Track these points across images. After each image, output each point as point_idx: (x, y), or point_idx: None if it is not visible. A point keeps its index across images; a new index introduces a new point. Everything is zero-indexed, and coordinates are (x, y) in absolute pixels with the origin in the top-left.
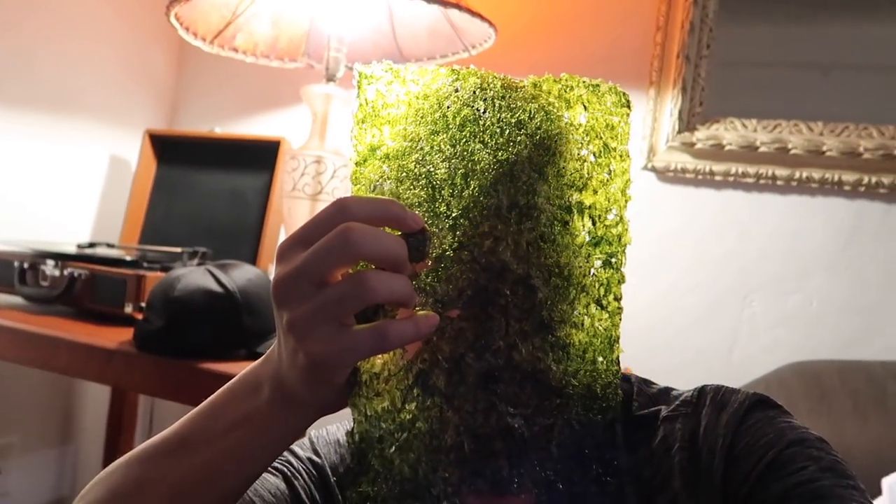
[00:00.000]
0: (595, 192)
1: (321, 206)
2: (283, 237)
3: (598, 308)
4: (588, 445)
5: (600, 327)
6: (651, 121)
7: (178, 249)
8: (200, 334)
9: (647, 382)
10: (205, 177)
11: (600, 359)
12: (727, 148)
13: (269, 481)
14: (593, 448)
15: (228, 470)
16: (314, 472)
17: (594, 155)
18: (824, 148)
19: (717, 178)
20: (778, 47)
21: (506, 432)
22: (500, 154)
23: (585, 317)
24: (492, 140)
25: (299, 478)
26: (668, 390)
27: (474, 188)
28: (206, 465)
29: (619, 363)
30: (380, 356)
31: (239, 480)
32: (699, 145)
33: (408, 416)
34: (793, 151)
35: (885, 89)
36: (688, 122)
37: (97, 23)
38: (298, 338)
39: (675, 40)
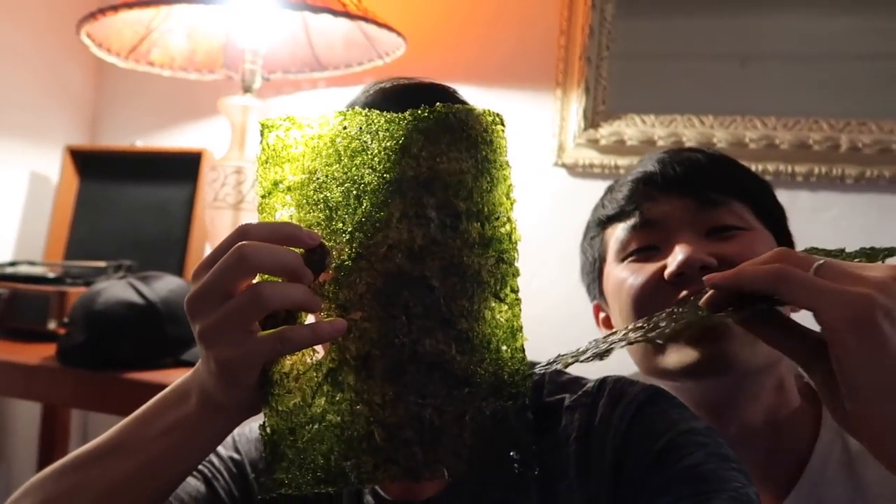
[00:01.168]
0: (480, 198)
1: (244, 215)
2: (209, 249)
3: (497, 300)
4: (499, 431)
5: (501, 318)
6: (559, 120)
7: (103, 264)
8: (124, 346)
9: (559, 372)
10: (128, 190)
11: (504, 347)
12: (628, 143)
13: (190, 484)
14: (504, 434)
15: (160, 471)
16: (234, 468)
17: (474, 165)
18: (715, 139)
19: (622, 171)
20: (681, 41)
21: (415, 420)
22: (387, 175)
23: (486, 310)
24: (380, 165)
25: (219, 477)
26: (577, 379)
27: (366, 206)
28: (139, 467)
29: (524, 351)
30: (289, 357)
31: (168, 481)
32: (603, 141)
33: (318, 410)
34: (688, 144)
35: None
36: (592, 119)
37: (9, 42)
38: (208, 345)
39: (577, 43)
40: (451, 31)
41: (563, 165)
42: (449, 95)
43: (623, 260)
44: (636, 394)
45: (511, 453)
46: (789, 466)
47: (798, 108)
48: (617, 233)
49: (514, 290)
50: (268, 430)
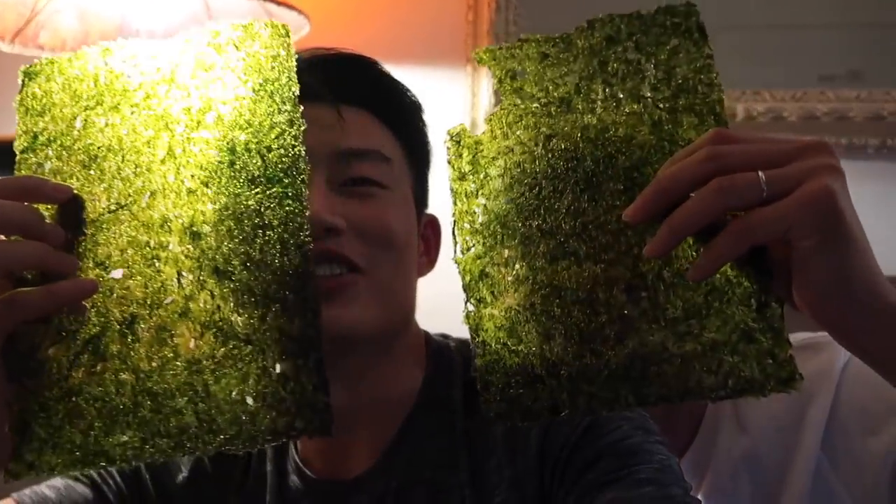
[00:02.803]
0: (260, 125)
1: None
2: None
3: (282, 245)
4: (295, 392)
5: (288, 266)
6: (470, 96)
7: None
8: None
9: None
10: None
11: (293, 297)
12: None
13: (76, 491)
14: (304, 401)
15: None
16: (129, 472)
17: (254, 90)
18: None
19: None
20: (588, 13)
21: (188, 387)
22: (154, 112)
23: (270, 257)
24: (144, 102)
25: (108, 480)
26: None
27: (129, 151)
28: None
29: (317, 300)
30: (39, 330)
31: None
32: None
33: (75, 383)
34: None
35: None
36: None
37: None
38: None
39: (484, 18)
40: (355, 8)
41: None
42: (369, 65)
43: None
44: None
45: (307, 417)
46: (686, 426)
47: None
48: None
49: (303, 229)
50: (16, 409)
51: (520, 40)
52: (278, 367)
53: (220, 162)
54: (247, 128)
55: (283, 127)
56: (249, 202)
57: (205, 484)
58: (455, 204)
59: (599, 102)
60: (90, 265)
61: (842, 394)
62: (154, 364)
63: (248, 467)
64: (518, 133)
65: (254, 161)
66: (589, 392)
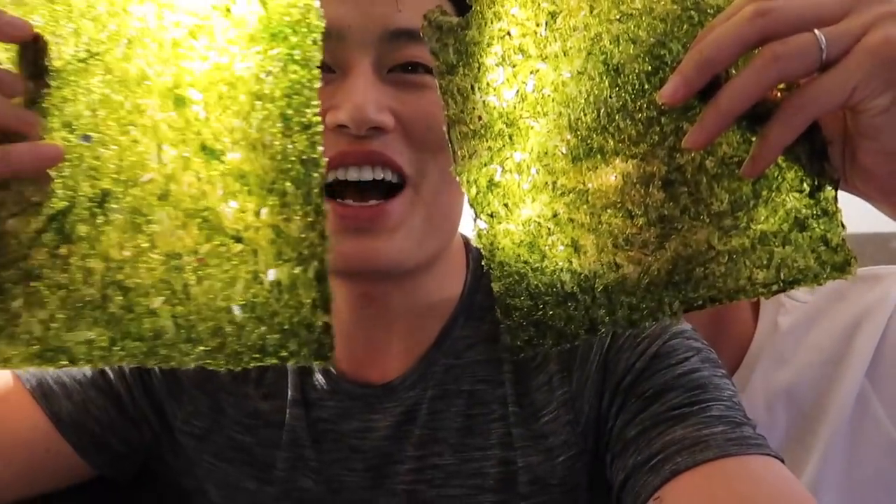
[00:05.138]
0: None
1: None
2: None
3: (286, 131)
4: (290, 305)
5: (292, 151)
6: None
7: None
8: None
9: None
10: None
11: (296, 191)
12: None
13: (96, 404)
14: (299, 318)
15: None
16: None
17: None
18: None
19: None
20: None
21: (165, 285)
22: None
23: (274, 140)
24: None
25: (130, 389)
26: None
27: None
28: None
29: (322, 199)
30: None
31: None
32: None
33: (34, 264)
34: None
35: None
36: None
37: None
38: None
39: None
40: None
41: None
42: None
43: None
44: None
45: (302, 338)
46: (731, 356)
47: None
48: None
49: (315, 118)
50: None
51: None
52: (271, 274)
53: (213, 7)
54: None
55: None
56: (247, 63)
57: (220, 371)
58: (446, 105)
59: None
60: (56, 125)
61: (893, 321)
62: (126, 253)
63: None
64: (514, 12)
65: (252, 8)
66: (629, 304)
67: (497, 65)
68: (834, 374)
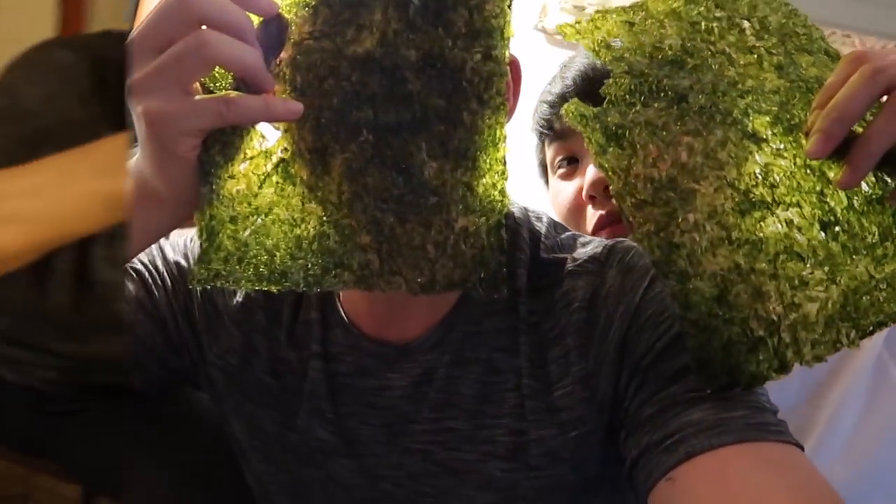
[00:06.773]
0: None
1: None
2: None
3: (479, 103)
4: (468, 248)
5: (482, 124)
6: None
7: None
8: None
9: (556, 226)
10: None
11: (483, 156)
12: None
13: (128, 288)
14: (474, 252)
15: None
16: (178, 275)
17: None
18: None
19: None
20: None
21: (373, 226)
22: None
23: (465, 112)
24: None
25: (159, 283)
26: (575, 238)
27: None
28: None
29: (505, 163)
30: (234, 138)
31: None
32: (589, 10)
33: (265, 201)
34: None
35: None
36: None
37: None
38: (138, 97)
39: None
40: None
41: (544, 30)
42: None
43: (556, 172)
44: (648, 267)
45: (480, 274)
46: None
47: None
48: (549, 145)
49: (500, 93)
50: (207, 216)
51: (598, 12)
52: (460, 222)
53: (428, 10)
54: None
55: None
56: (453, 55)
57: (258, 313)
58: (611, 181)
59: (710, 60)
60: (288, 90)
61: None
62: (343, 198)
63: (297, 311)
64: (642, 100)
65: (461, 15)
66: (812, 340)
67: (643, 144)
68: None
